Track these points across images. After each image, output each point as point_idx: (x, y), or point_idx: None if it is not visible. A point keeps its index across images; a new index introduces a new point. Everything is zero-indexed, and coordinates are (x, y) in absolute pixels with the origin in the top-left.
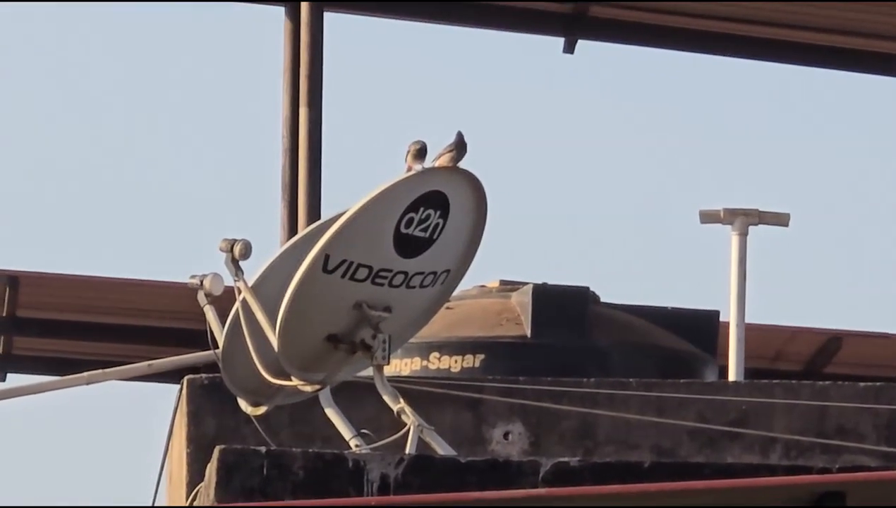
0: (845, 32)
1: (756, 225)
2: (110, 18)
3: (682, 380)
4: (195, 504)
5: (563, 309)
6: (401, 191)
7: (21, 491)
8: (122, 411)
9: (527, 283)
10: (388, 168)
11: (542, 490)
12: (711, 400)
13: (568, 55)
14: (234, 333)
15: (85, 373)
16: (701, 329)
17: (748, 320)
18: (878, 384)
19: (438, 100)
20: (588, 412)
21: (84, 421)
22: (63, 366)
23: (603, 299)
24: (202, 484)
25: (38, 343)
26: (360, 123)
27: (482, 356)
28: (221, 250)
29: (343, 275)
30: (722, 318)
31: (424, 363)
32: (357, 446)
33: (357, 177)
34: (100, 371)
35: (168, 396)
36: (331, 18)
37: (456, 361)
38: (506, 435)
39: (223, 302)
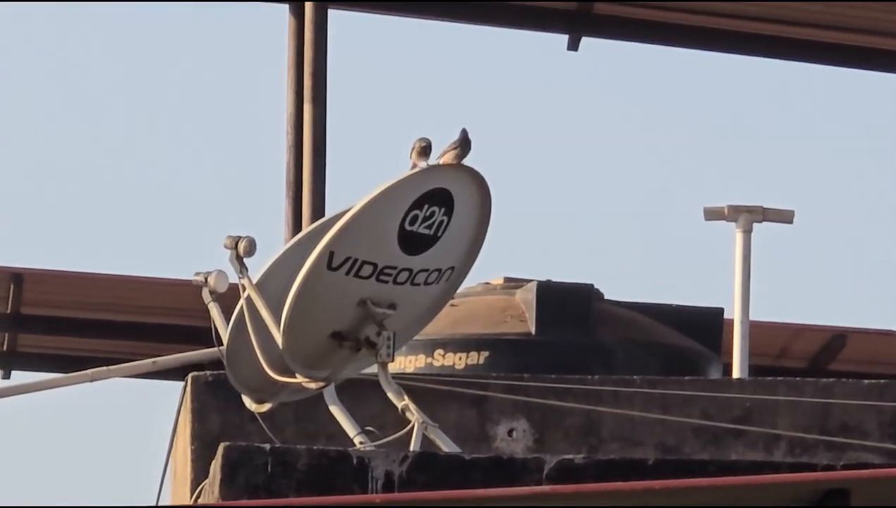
0: (852, 30)
1: (760, 222)
2: (110, 18)
3: (686, 378)
4: (199, 501)
5: (567, 306)
6: (405, 188)
7: (25, 489)
8: (126, 408)
9: (531, 280)
10: (393, 165)
11: (546, 488)
12: (715, 398)
13: (572, 52)
14: (239, 330)
15: (89, 370)
16: (705, 326)
17: (752, 317)
18: (882, 381)
19: (442, 98)
20: (592, 409)
21: (88, 418)
22: (67, 363)
23: (607, 296)
24: (206, 481)
25: (43, 340)
26: (365, 120)
27: (486, 353)
28: (226, 247)
29: (347, 272)
30: (726, 315)
31: (429, 360)
32: (361, 443)
33: (361, 175)
34: (104, 368)
35: (172, 393)
36: (335, 15)
37: (460, 358)
38: (510, 432)
39: (227, 299)
